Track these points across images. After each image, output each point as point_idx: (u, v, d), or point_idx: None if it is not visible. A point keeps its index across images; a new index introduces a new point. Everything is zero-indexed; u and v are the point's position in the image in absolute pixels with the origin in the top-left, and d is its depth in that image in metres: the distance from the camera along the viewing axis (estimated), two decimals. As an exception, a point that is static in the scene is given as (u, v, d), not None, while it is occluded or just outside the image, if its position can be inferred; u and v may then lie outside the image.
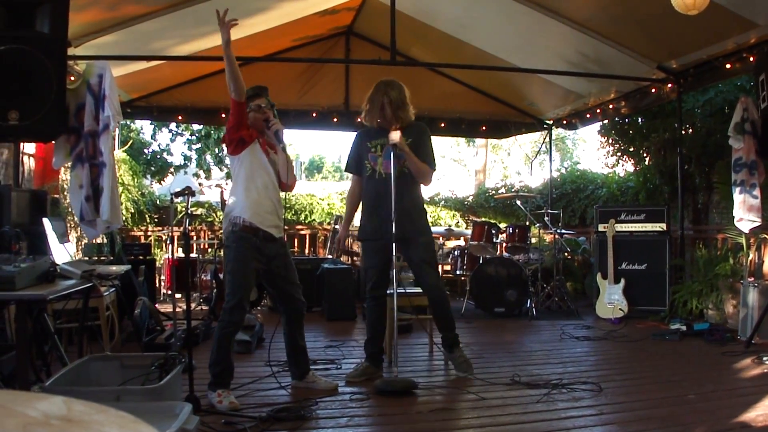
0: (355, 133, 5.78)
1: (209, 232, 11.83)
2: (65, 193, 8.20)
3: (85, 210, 5.04)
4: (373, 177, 5.42)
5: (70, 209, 7.11)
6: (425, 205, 5.78)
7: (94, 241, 7.52)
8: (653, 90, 8.80)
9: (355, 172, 5.65)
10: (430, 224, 5.87)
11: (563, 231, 10.04)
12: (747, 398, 4.68)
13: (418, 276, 5.68)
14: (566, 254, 10.78)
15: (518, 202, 10.27)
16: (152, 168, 16.75)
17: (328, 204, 14.08)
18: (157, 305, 8.04)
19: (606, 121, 11.11)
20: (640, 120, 11.01)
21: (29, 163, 8.22)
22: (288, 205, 12.81)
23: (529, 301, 8.88)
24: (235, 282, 4.69)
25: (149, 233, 11.74)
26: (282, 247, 4.97)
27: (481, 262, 9.30)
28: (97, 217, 5.09)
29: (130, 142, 15.18)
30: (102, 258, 7.68)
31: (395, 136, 5.16)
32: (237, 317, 4.68)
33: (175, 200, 5.38)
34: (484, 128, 11.67)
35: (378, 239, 5.36)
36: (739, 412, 4.30)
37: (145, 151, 16.95)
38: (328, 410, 4.43)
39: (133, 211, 11.80)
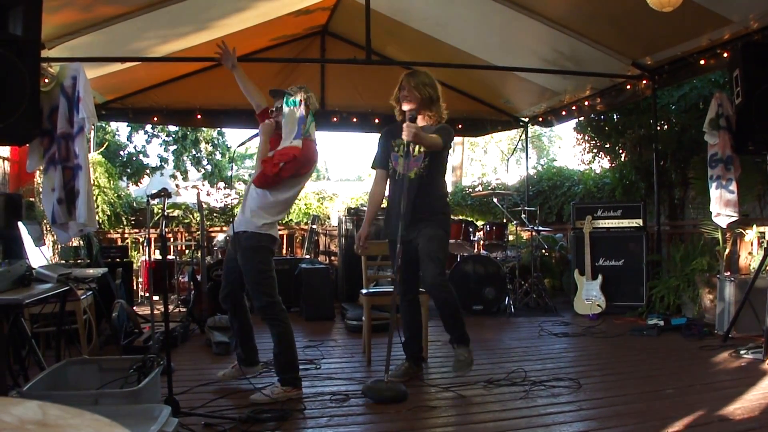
0: (382, 132, 5.53)
1: (186, 234, 11.78)
2: (40, 196, 8.15)
3: (57, 213, 4.99)
4: (393, 177, 5.27)
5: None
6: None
7: (70, 244, 7.46)
8: (628, 86, 8.85)
9: (381, 166, 5.40)
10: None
11: (540, 228, 10.08)
12: (725, 392, 4.72)
13: (421, 271, 5.16)
14: (543, 251, 10.83)
15: (495, 200, 10.31)
16: (128, 170, 16.66)
17: (305, 204, 14.07)
18: (134, 308, 8.01)
19: (582, 118, 11.15)
20: (615, 116, 11.07)
21: (4, 167, 8.16)
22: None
23: (507, 298, 8.92)
24: None
25: (126, 235, 11.65)
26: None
27: (458, 260, 9.31)
28: (70, 220, 5.04)
29: (106, 144, 15.08)
30: (79, 261, 7.62)
31: (406, 131, 4.83)
32: None
33: (152, 202, 5.33)
34: (460, 126, 11.69)
35: (392, 239, 5.20)
36: (718, 406, 4.33)
37: (121, 153, 16.85)
38: (308, 410, 4.41)
39: (109, 213, 11.72)
